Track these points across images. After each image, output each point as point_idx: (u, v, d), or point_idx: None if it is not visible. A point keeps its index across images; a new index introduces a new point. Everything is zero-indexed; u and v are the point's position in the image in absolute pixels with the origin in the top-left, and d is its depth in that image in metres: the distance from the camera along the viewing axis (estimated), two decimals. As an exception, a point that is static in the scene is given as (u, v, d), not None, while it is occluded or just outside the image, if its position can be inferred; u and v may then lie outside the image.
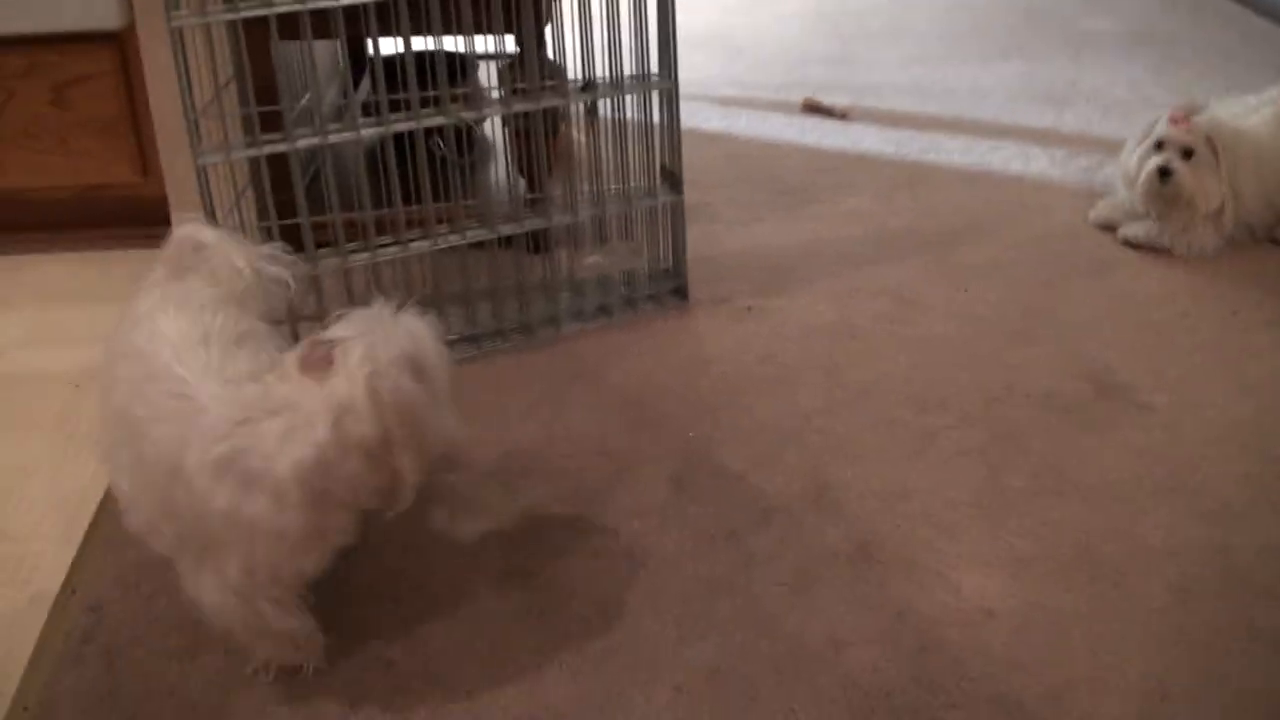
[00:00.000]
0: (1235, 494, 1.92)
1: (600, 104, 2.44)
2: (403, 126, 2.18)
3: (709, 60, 4.00)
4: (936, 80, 3.84)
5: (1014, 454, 2.03)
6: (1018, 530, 1.84)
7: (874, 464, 2.01)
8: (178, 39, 1.97)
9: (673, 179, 2.43)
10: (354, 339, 1.43)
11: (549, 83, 2.29)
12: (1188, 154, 2.66)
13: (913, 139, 3.36)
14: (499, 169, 2.88)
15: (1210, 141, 2.66)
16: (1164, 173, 2.67)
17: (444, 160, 2.26)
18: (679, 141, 2.41)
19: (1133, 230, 2.78)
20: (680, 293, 2.53)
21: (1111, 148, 3.26)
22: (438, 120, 2.20)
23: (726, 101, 3.64)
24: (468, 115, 2.22)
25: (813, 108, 3.55)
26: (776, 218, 2.89)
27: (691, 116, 3.45)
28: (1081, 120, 3.51)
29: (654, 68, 2.35)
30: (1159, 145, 2.69)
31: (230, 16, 2.02)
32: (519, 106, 2.26)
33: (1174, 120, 2.68)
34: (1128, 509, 1.89)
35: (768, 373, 2.28)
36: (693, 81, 3.73)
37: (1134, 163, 2.74)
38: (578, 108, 2.55)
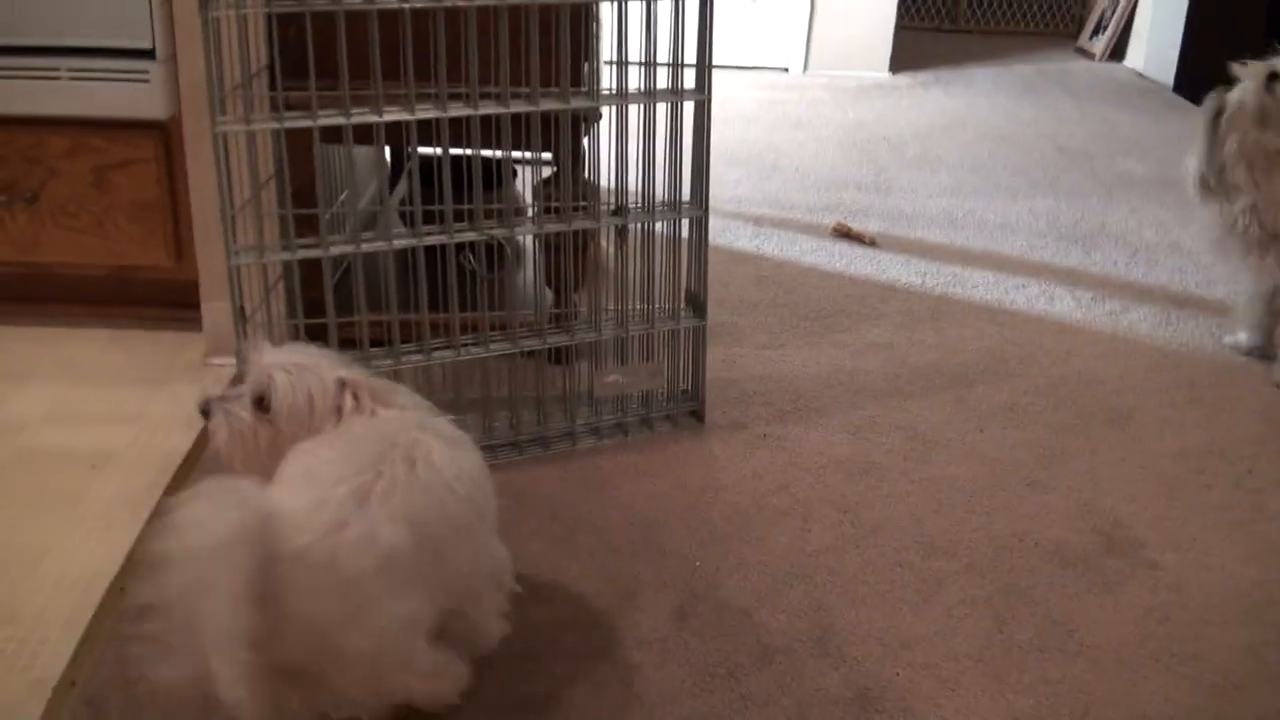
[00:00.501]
0: (1237, 665, 1.90)
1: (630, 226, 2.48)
2: (435, 240, 2.21)
3: (746, 177, 4.05)
4: (966, 212, 3.88)
5: (1020, 606, 2.02)
6: (1018, 687, 1.83)
7: (879, 608, 2.01)
8: (221, 142, 2.02)
9: (697, 304, 2.46)
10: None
11: (581, 204, 2.33)
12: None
13: (939, 271, 3.39)
14: (527, 278, 2.91)
15: None
16: (1274, 77, 2.74)
17: (473, 274, 2.29)
18: (706, 268, 2.43)
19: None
20: (697, 415, 2.54)
21: (1137, 293, 3.30)
22: (470, 236, 2.23)
23: (759, 220, 3.68)
24: (500, 232, 2.25)
25: (843, 233, 3.59)
26: (799, 344, 2.91)
27: (723, 233, 3.50)
28: (1108, 262, 3.53)
29: (686, 194, 2.38)
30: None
31: (274, 126, 2.06)
32: (550, 227, 2.30)
33: None
34: (1129, 673, 1.87)
35: (779, 504, 2.28)
36: (728, 198, 3.79)
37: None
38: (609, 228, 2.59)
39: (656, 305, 2.46)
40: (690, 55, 2.27)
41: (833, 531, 2.21)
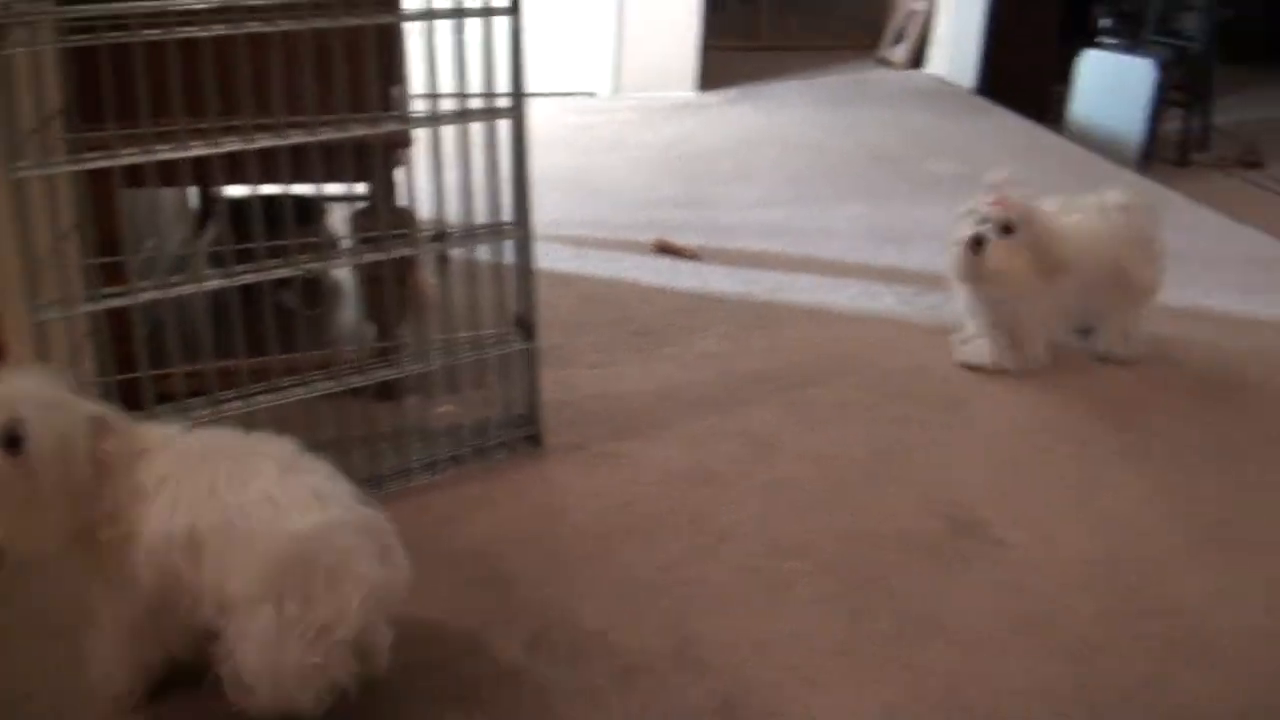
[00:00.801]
0: (1093, 630, 1.94)
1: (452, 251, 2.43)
2: (249, 279, 2.12)
3: (562, 201, 4.02)
4: (784, 221, 3.91)
5: (875, 597, 2.02)
6: (883, 677, 1.83)
7: (736, 614, 1.98)
8: (19, 190, 1.91)
9: (526, 326, 2.41)
10: None
11: (400, 231, 2.27)
12: (1006, 230, 2.71)
13: (763, 278, 3.41)
14: (348, 316, 2.83)
15: (1027, 216, 2.73)
16: (977, 242, 2.71)
17: (292, 312, 2.22)
18: (533, 289, 2.39)
19: (966, 352, 2.89)
20: (534, 440, 2.49)
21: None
22: (285, 272, 2.15)
23: (580, 242, 3.65)
24: (315, 266, 2.18)
25: (664, 248, 3.58)
26: (631, 360, 2.88)
27: (545, 257, 3.44)
28: (926, 259, 3.59)
29: (508, 215, 2.34)
30: (977, 223, 2.75)
31: (75, 168, 1.96)
32: (369, 257, 2.23)
33: (992, 200, 2.74)
34: (990, 649, 1.89)
35: (625, 522, 2.25)
36: (546, 222, 3.72)
37: (953, 234, 2.80)
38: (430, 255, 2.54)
39: (485, 331, 2.41)
40: (500, 75, 2.24)
41: (682, 543, 2.18)
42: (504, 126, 2.27)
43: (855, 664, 1.86)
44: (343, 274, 2.95)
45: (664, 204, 4.04)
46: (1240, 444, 2.59)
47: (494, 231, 2.33)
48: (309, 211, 2.28)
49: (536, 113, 4.94)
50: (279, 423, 2.23)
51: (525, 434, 2.49)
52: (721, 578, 2.08)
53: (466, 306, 2.41)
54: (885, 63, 6.56)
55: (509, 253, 2.37)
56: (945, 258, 2.85)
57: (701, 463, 2.44)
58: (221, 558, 1.51)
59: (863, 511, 2.28)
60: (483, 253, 2.37)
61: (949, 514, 2.26)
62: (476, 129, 2.26)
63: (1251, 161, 5.18)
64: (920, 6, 6.44)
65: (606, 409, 2.65)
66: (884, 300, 3.28)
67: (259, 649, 1.48)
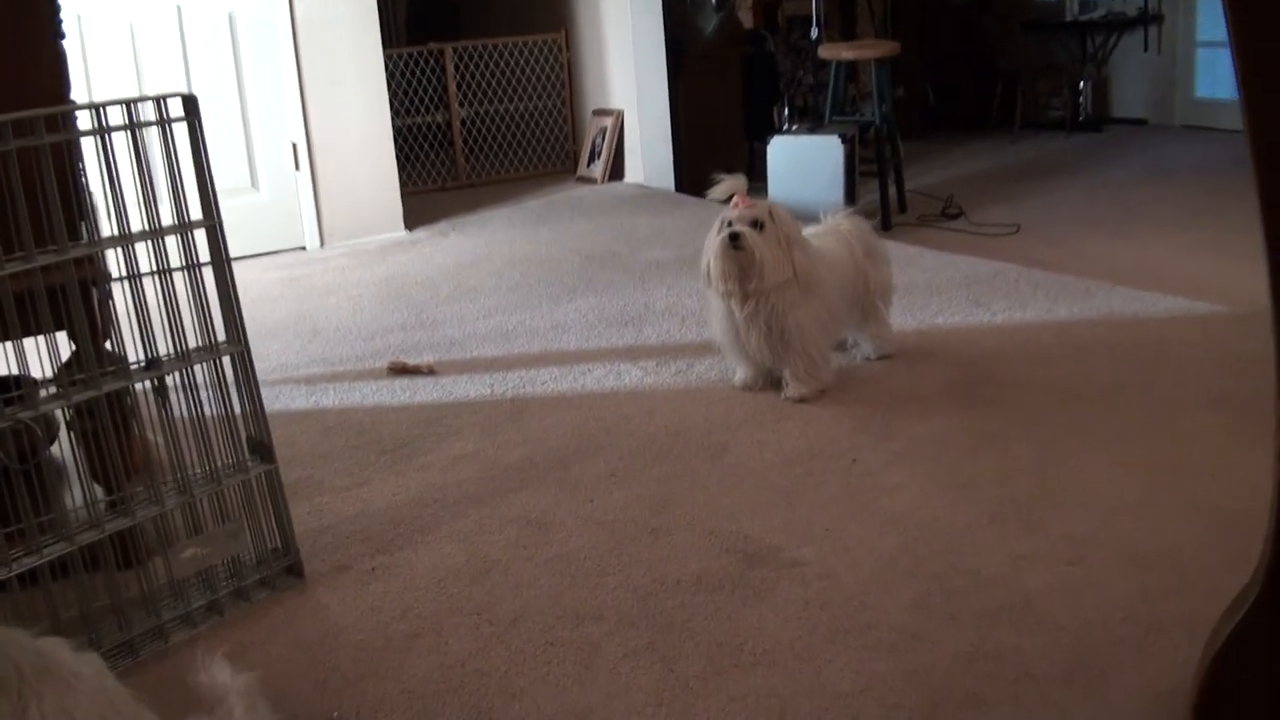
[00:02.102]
0: (909, 619, 1.89)
1: (170, 381, 2.25)
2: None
3: (286, 346, 3.85)
4: (516, 325, 3.85)
5: (683, 642, 1.92)
6: (710, 714, 1.72)
7: (544, 691, 1.85)
8: None
9: (262, 449, 2.25)
10: None
11: (109, 369, 2.09)
12: (756, 225, 2.82)
13: (506, 378, 3.32)
14: (71, 483, 2.60)
15: (772, 212, 2.86)
16: (733, 238, 2.81)
17: (6, 473, 2.00)
18: (262, 408, 2.24)
19: (740, 376, 3.01)
20: (295, 570, 2.31)
21: (697, 350, 3.34)
22: (-12, 424, 1.94)
23: (311, 380, 3.49)
24: (25, 415, 1.97)
25: (399, 370, 3.46)
26: (383, 477, 2.73)
27: (276, 399, 3.29)
28: (662, 333, 3.58)
29: (221, 336, 2.19)
30: (728, 225, 2.85)
31: None
32: (80, 396, 2.04)
33: (735, 203, 2.86)
34: (811, 663, 1.81)
35: (408, 628, 2.09)
36: (272, 367, 3.59)
37: (709, 250, 2.90)
38: (147, 396, 2.34)
39: (219, 463, 2.23)
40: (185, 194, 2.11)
41: (471, 636, 2.04)
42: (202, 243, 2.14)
43: (677, 711, 1.75)
44: (60, 452, 2.71)
45: (391, 331, 3.92)
46: (1002, 431, 2.63)
47: (209, 351, 2.17)
48: (16, 387, 2.07)
49: (243, 274, 4.78)
50: (16, 611, 2.01)
51: (283, 566, 2.31)
52: (522, 659, 1.94)
53: (197, 444, 2.22)
54: (586, 180, 6.64)
55: (231, 381, 2.21)
56: (703, 278, 2.95)
57: (478, 555, 2.31)
58: None
59: (655, 564, 2.18)
60: (205, 387, 2.20)
61: (740, 548, 2.19)
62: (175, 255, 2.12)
63: (953, 213, 5.58)
64: (607, 123, 6.55)
65: (367, 527, 2.49)
66: (630, 375, 3.23)
67: None
